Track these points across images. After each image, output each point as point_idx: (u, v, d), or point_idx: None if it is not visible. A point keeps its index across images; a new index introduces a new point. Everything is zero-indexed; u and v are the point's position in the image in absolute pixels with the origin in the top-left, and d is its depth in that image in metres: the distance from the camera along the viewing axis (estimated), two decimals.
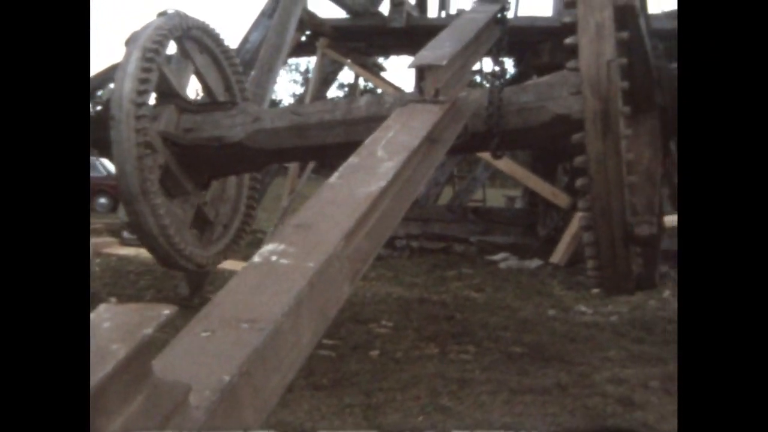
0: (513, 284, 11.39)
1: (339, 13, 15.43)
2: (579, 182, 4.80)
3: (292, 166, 15.33)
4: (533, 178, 14.64)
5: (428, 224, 15.17)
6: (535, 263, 13.50)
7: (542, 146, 11.91)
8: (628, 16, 4.76)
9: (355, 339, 7.32)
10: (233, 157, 6.84)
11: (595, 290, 9.63)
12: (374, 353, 6.84)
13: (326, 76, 16.92)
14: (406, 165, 3.79)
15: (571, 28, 4.59)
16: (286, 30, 12.46)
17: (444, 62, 4.97)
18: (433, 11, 17.62)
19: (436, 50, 5.27)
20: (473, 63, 5.80)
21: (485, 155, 15.09)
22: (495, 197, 22.57)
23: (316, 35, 15.35)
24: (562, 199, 14.09)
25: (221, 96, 7.47)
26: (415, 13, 15.96)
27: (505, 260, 13.83)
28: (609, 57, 4.40)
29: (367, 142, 3.99)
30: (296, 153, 7.08)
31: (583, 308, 9.49)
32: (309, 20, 14.53)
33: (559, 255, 13.39)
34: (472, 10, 6.37)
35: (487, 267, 13.25)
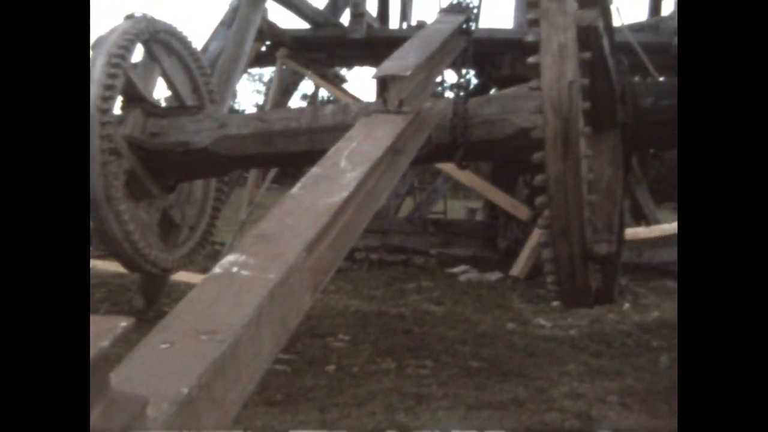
0: (472, 297, 11.39)
1: (300, 24, 15.38)
2: (538, 201, 4.82)
3: (251, 177, 15.31)
4: (493, 190, 14.65)
5: (388, 236, 15.11)
6: (495, 276, 13.53)
7: (506, 159, 11.96)
8: (591, 36, 4.79)
9: (312, 353, 7.29)
10: (199, 162, 6.83)
11: (555, 303, 9.69)
12: (330, 368, 6.83)
13: (286, 87, 16.91)
14: (368, 176, 3.79)
15: (533, 47, 4.61)
16: (245, 40, 12.39)
17: (408, 73, 4.99)
18: (394, 22, 17.66)
19: (400, 61, 5.28)
20: (438, 74, 5.82)
21: (446, 166, 15.13)
22: (457, 209, 22.56)
23: (276, 45, 15.29)
24: (522, 212, 14.12)
25: (189, 99, 7.45)
26: (376, 25, 15.96)
27: (464, 273, 13.84)
28: (571, 78, 4.41)
29: (330, 152, 3.99)
30: (261, 160, 7.09)
31: (542, 321, 9.53)
32: (269, 30, 14.49)
33: (519, 267, 13.42)
34: (437, 21, 6.39)
35: (447, 280, 13.22)
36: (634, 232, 14.21)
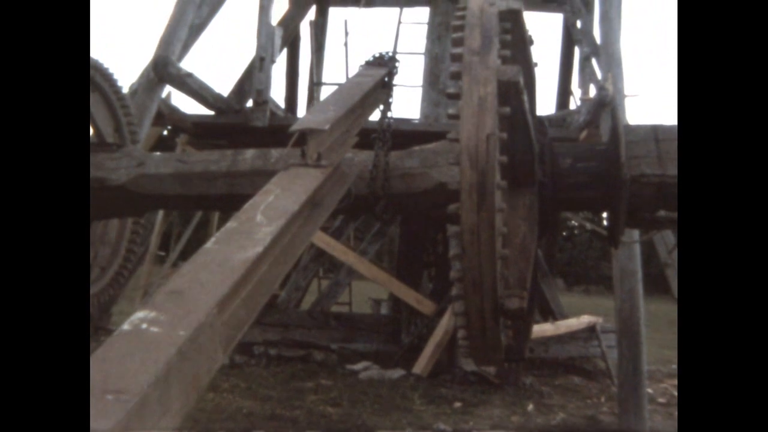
0: (372, 397, 11.33)
1: (204, 110, 15.24)
2: (452, 251, 4.85)
3: (150, 254, 15.10)
4: (397, 284, 14.68)
5: (288, 330, 14.99)
6: (397, 373, 13.53)
7: (424, 213, 11.99)
8: (512, 91, 4.85)
9: None
10: (115, 200, 6.73)
11: (457, 404, 9.68)
12: None
13: None
14: (285, 230, 3.80)
15: (454, 98, 4.65)
16: (141, 125, 12.24)
17: (327, 126, 5.01)
18: (302, 110, 17.63)
19: (320, 114, 5.30)
20: (358, 127, 5.82)
21: (349, 258, 15.12)
22: (368, 290, 22.30)
23: (177, 131, 15.14)
24: (426, 306, 14.19)
25: (110, 137, 7.38)
26: (281, 112, 15.91)
27: (366, 370, 13.83)
28: (489, 130, 4.46)
29: (246, 206, 4.00)
30: (179, 201, 7.01)
31: (442, 426, 9.52)
32: (170, 115, 14.40)
33: (422, 365, 13.42)
34: (358, 74, 6.41)
35: (347, 378, 13.25)
36: (541, 330, 14.41)
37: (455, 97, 4.62)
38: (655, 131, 5.79)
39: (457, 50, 4.71)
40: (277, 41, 14.68)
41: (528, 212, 5.56)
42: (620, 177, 5.38)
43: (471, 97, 4.55)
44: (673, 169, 5.50)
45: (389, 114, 6.21)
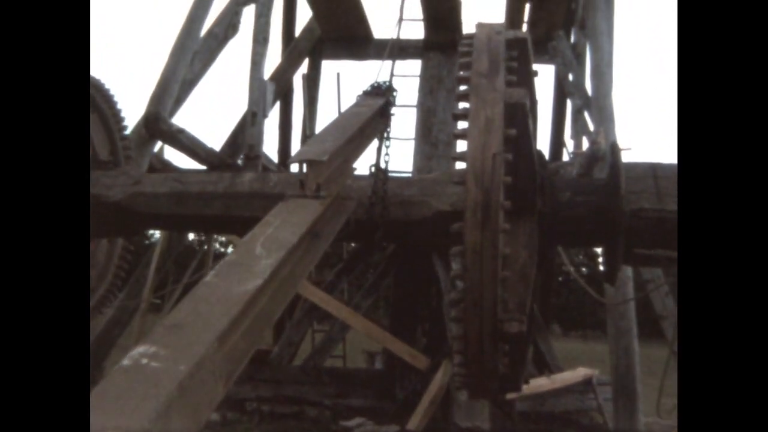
0: None
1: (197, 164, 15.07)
2: (453, 271, 4.82)
3: (144, 303, 15.06)
4: (390, 338, 14.60)
5: (281, 386, 14.77)
6: (391, 430, 13.38)
7: (423, 242, 11.96)
8: (519, 113, 4.85)
9: None
10: (109, 218, 6.70)
11: None
12: None
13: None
14: (284, 262, 3.79)
15: (462, 117, 4.65)
16: None
17: (325, 157, 5.00)
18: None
19: (318, 145, 5.31)
20: (357, 157, 5.84)
21: (342, 313, 15.04)
22: (362, 341, 22.07)
23: None
24: (420, 361, 14.10)
25: (105, 156, 7.34)
26: (273, 167, 15.84)
27: (360, 426, 13.67)
28: (495, 150, 4.46)
29: (245, 238, 3.98)
30: (174, 221, 7.00)
31: None
32: (162, 170, 14.22)
33: (416, 421, 13.30)
34: (356, 104, 6.43)
35: None
36: (536, 384, 14.34)
37: (462, 117, 4.62)
38: (654, 169, 5.80)
39: (465, 73, 4.71)
40: (269, 96, 14.63)
41: (528, 240, 5.54)
42: (620, 209, 5.37)
43: (478, 117, 4.55)
44: (672, 205, 5.49)
45: (387, 143, 6.20)
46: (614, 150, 5.63)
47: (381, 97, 6.43)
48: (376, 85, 6.56)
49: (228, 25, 14.00)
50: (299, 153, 5.17)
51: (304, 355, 16.93)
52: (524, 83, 5.18)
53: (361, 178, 6.01)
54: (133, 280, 12.82)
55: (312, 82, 18.71)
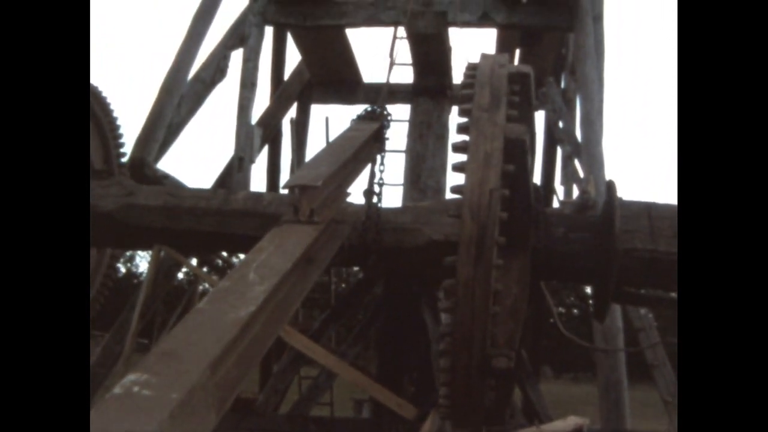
0: None
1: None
2: (443, 304, 4.80)
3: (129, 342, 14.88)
4: (377, 387, 14.51)
5: None
6: None
7: (414, 273, 11.90)
8: (518, 149, 4.84)
9: None
10: (100, 228, 6.66)
11: None
12: None
13: (167, 272, 16.20)
14: (278, 288, 3.75)
15: (461, 149, 4.63)
16: None
17: (319, 183, 4.98)
18: None
19: (312, 170, 5.28)
20: (351, 182, 5.80)
21: (328, 361, 14.96)
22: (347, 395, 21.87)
23: None
24: (408, 410, 14.01)
25: (99, 165, 7.32)
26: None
27: None
28: (493, 185, 4.45)
29: (239, 264, 3.96)
30: (165, 235, 6.94)
31: None
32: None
33: None
34: (351, 129, 6.37)
35: None
36: None
37: (461, 150, 4.61)
38: (649, 209, 5.80)
39: (466, 106, 4.70)
40: (257, 141, 14.46)
41: (520, 275, 5.52)
42: (613, 247, 5.36)
43: (477, 151, 4.54)
44: (665, 245, 5.49)
45: (381, 167, 6.18)
46: (610, 188, 5.62)
47: (375, 121, 6.40)
48: (370, 109, 6.54)
49: (216, 69, 13.83)
50: (293, 178, 5.15)
51: (290, 403, 16.80)
52: (525, 117, 5.18)
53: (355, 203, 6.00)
54: (117, 324, 12.67)
55: (300, 127, 18.54)
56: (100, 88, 7.22)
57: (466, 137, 4.63)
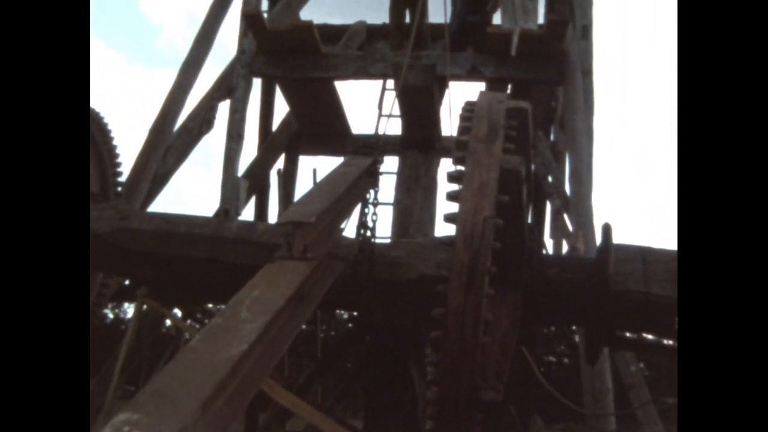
0: None
1: None
2: (433, 334, 4.78)
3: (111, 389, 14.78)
4: (322, 418, 14.46)
5: None
6: None
7: (402, 307, 11.85)
8: (513, 180, 4.86)
9: None
10: (92, 251, 6.65)
11: None
12: None
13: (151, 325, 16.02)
14: (270, 326, 3.75)
15: (457, 179, 4.64)
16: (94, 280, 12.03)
17: (312, 219, 4.99)
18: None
19: (305, 206, 5.29)
20: (344, 218, 5.83)
21: (315, 418, 14.85)
22: None
23: (138, 282, 14.81)
24: None
25: (95, 190, 7.31)
26: None
27: None
28: (487, 214, 4.45)
29: (231, 301, 3.92)
30: (157, 261, 6.93)
31: None
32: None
33: None
34: (344, 164, 6.40)
35: None
36: None
37: (456, 179, 4.62)
38: (644, 253, 5.82)
39: (463, 138, 4.72)
40: (243, 193, 14.44)
41: (511, 311, 5.53)
42: (606, 290, 5.37)
43: (472, 180, 4.56)
44: (658, 289, 5.51)
45: (375, 200, 6.19)
46: (606, 230, 5.63)
47: (369, 156, 6.42)
48: (363, 145, 6.56)
49: (202, 120, 13.78)
50: (286, 214, 5.15)
51: None
52: (522, 152, 5.20)
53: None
54: (101, 373, 12.53)
55: (288, 178, 18.46)
56: (100, 113, 7.21)
57: (462, 168, 4.66)
